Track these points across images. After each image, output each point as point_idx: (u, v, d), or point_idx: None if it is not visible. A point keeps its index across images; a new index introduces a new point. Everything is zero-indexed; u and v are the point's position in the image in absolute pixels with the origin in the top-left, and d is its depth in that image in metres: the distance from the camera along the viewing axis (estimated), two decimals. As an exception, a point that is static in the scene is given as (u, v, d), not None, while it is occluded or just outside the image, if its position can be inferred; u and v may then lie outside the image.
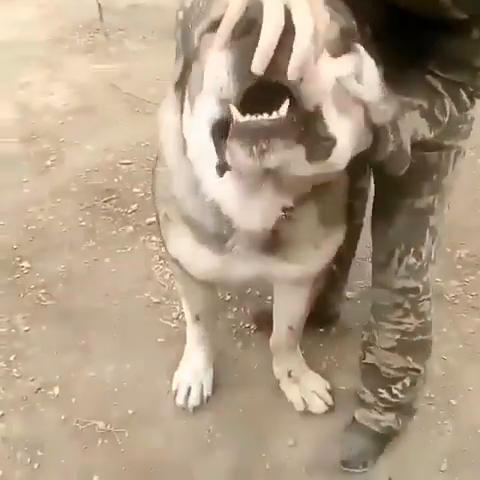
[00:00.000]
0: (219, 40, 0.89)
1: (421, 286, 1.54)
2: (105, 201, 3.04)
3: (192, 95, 1.06)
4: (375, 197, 1.56)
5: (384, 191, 1.52)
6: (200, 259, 1.44)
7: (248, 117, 0.88)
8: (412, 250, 1.49)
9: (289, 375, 2.02)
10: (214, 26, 0.94)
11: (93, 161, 3.35)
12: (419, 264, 1.51)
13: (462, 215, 2.72)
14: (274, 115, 0.88)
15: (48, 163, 3.36)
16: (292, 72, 0.83)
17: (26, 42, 4.66)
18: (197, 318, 1.90)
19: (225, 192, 1.14)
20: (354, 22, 1.07)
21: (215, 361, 2.11)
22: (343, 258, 1.90)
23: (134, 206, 2.99)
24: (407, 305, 1.57)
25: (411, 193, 1.44)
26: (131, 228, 2.85)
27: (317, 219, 1.35)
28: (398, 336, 1.63)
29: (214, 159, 1.00)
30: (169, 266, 2.33)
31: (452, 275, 2.51)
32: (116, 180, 3.21)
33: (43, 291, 2.48)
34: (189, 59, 1.12)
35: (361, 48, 1.04)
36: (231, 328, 2.31)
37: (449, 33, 1.11)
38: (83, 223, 2.89)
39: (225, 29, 0.88)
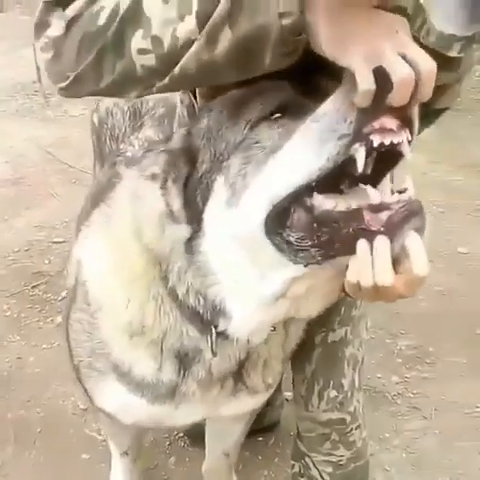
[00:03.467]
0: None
1: (348, 417, 1.49)
2: (34, 286, 2.86)
3: (241, 183, 0.96)
4: None
5: None
6: (135, 410, 1.30)
7: (378, 195, 0.88)
8: (332, 383, 1.45)
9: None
10: (269, 114, 0.96)
11: (23, 239, 3.17)
12: (342, 396, 1.46)
13: (399, 301, 2.67)
14: (408, 195, 0.90)
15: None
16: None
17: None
18: (125, 454, 1.74)
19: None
20: None
21: (145, 481, 1.94)
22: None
23: (64, 293, 2.81)
24: (335, 437, 1.51)
25: (323, 327, 1.41)
26: (59, 319, 2.67)
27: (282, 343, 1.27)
28: (330, 469, 1.56)
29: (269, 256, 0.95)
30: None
31: (392, 370, 2.44)
32: (47, 261, 3.04)
33: (-42, 397, 2.26)
34: (217, 150, 1.01)
35: None
36: (164, 439, 2.15)
37: None
38: (8, 313, 2.70)
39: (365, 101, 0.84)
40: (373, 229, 0.85)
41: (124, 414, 1.35)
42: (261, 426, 2.09)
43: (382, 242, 0.85)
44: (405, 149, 0.87)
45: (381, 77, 0.81)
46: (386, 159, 0.91)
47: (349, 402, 1.47)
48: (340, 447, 1.51)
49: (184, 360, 1.16)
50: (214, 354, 1.10)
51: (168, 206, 1.02)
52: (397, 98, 0.81)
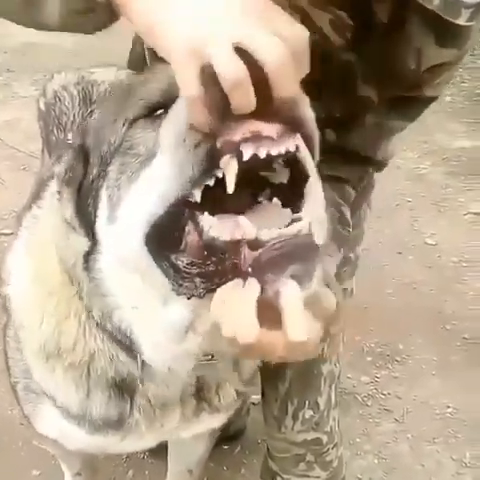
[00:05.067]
0: None
1: (324, 437, 1.40)
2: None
3: (116, 195, 0.80)
4: None
5: None
6: (76, 439, 1.15)
7: (252, 226, 0.67)
8: (307, 403, 1.34)
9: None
10: (151, 111, 0.79)
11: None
12: (318, 416, 1.36)
13: (367, 295, 2.58)
14: (297, 227, 0.68)
15: None
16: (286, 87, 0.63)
17: None
18: (78, 474, 1.59)
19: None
20: None
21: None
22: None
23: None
24: (310, 457, 1.41)
25: None
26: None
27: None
28: None
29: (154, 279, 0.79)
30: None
31: (362, 370, 2.35)
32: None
33: None
34: (102, 152, 0.85)
35: None
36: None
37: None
38: None
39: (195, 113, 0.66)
40: (243, 269, 0.68)
41: (67, 441, 1.21)
42: (226, 434, 1.97)
43: (248, 287, 0.67)
44: (305, 159, 0.71)
45: (210, 79, 0.62)
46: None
47: (325, 421, 1.37)
48: (316, 468, 1.42)
49: (123, 387, 1.02)
50: (141, 382, 0.98)
51: (62, 212, 0.89)
52: (235, 105, 0.63)
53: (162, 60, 0.76)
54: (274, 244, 0.66)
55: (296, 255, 0.66)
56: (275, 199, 0.74)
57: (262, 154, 0.65)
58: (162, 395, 1.02)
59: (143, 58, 1.27)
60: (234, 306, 0.66)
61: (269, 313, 0.65)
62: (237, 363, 1.08)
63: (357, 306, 2.55)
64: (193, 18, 0.63)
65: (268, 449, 1.50)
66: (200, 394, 1.07)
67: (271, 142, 0.65)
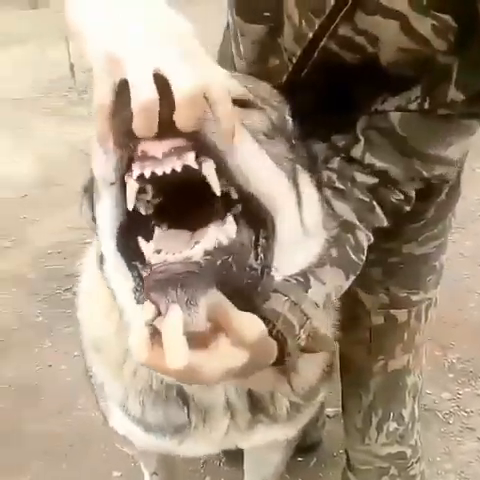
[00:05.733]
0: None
1: (409, 450, 1.36)
2: (66, 289, 2.78)
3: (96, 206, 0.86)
4: (342, 357, 1.34)
5: (351, 353, 1.32)
6: (140, 439, 1.20)
7: (163, 255, 0.69)
8: (392, 415, 1.31)
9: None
10: None
11: (55, 241, 3.10)
12: (402, 428, 1.33)
13: (447, 309, 2.49)
14: (184, 253, 0.68)
15: (7, 244, 3.10)
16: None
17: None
18: (155, 474, 1.63)
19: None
20: (289, 119, 0.93)
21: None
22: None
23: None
24: (394, 471, 1.38)
25: (383, 354, 1.28)
26: (92, 325, 2.59)
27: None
28: None
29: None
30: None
31: (444, 386, 2.28)
32: (79, 263, 2.95)
33: (-14, 408, 2.19)
34: None
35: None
36: (198, 457, 2.03)
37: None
38: (39, 319, 2.63)
39: (101, 122, 0.67)
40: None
41: (133, 440, 1.25)
42: (302, 446, 1.96)
43: (144, 308, 0.69)
44: (210, 177, 0.69)
45: (124, 95, 0.63)
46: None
47: (410, 434, 1.34)
48: None
49: (177, 393, 1.04)
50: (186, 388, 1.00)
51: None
52: (137, 127, 0.63)
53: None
54: (159, 268, 0.68)
55: (177, 281, 0.67)
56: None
57: (147, 174, 0.66)
58: (207, 402, 1.04)
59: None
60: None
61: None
62: (285, 374, 1.07)
63: (437, 319, 2.47)
64: (121, 33, 0.64)
65: (348, 461, 1.47)
66: (256, 405, 1.08)
67: (155, 162, 0.66)
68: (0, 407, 2.20)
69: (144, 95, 0.62)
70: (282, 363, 0.83)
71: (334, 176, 0.95)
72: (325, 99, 0.95)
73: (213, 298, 0.68)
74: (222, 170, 0.71)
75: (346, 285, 0.94)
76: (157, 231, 0.77)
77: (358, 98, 0.95)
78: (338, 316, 1.18)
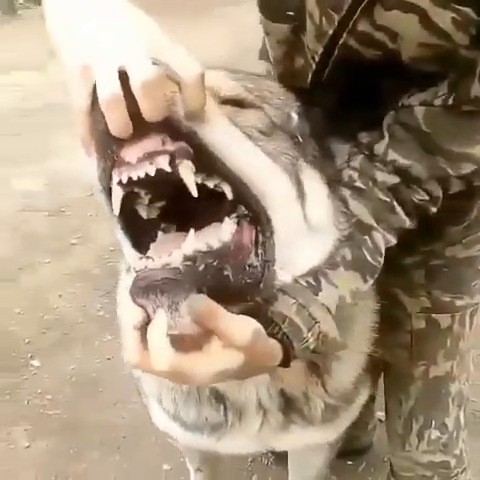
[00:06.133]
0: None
1: (453, 460, 1.31)
2: (126, 285, 2.87)
3: None
4: (382, 361, 1.29)
5: (392, 357, 1.28)
6: (178, 436, 1.22)
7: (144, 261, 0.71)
8: (433, 423, 1.27)
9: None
10: None
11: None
12: (446, 437, 1.28)
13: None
14: (163, 259, 0.70)
15: (73, 241, 3.24)
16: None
17: (57, 104, 4.65)
18: (199, 470, 1.66)
19: None
20: (295, 116, 0.92)
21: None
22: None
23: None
24: None
25: (424, 360, 1.24)
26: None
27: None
28: None
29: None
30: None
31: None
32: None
33: (49, 397, 2.31)
34: None
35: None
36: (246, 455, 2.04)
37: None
38: (100, 313, 2.73)
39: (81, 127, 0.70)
40: None
41: (173, 436, 1.27)
42: (351, 448, 1.93)
43: (132, 311, 0.71)
44: (186, 181, 0.69)
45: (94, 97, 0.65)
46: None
47: (454, 444, 1.29)
48: None
49: (214, 392, 1.05)
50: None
51: None
52: (110, 127, 0.65)
53: None
54: (141, 274, 0.70)
55: (156, 287, 0.68)
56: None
57: (124, 179, 0.68)
58: (240, 401, 1.04)
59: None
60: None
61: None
62: (318, 375, 1.06)
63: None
64: (88, 41, 0.66)
65: (392, 467, 1.43)
66: (289, 405, 1.07)
67: (130, 167, 0.67)
68: (61, 397, 2.31)
69: (107, 91, 0.64)
70: (287, 365, 0.81)
71: (355, 175, 0.93)
72: (351, 96, 0.92)
73: (197, 302, 0.68)
74: (207, 165, 0.72)
75: (364, 288, 0.91)
76: (159, 235, 0.78)
77: (385, 93, 0.93)
78: (376, 318, 1.16)
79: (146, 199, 0.75)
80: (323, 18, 0.88)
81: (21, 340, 2.58)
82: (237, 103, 0.84)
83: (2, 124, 4.54)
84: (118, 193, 0.71)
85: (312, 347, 0.83)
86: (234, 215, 0.77)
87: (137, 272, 0.71)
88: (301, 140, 0.91)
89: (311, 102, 0.95)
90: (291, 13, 0.95)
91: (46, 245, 3.21)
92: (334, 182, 0.92)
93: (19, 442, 2.14)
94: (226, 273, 0.72)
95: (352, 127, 0.96)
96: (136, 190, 0.73)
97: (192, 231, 0.72)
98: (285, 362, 0.80)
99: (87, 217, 3.41)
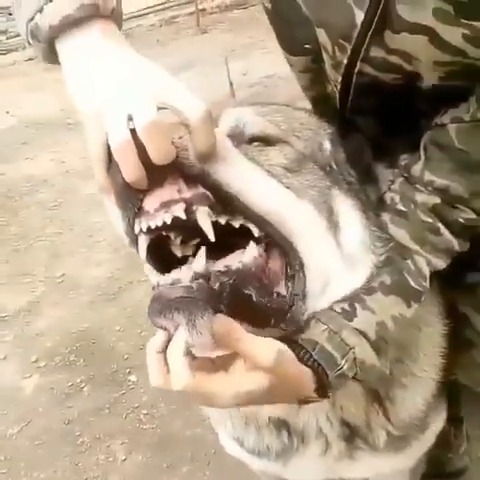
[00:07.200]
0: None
1: None
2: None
3: None
4: (458, 384, 1.23)
5: (467, 379, 1.22)
6: (244, 458, 1.22)
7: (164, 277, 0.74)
8: None
9: None
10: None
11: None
12: None
13: None
14: (171, 276, 0.73)
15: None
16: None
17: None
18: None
19: None
20: (327, 144, 0.92)
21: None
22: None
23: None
24: None
25: None
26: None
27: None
28: None
29: None
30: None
31: None
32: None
33: (145, 412, 2.42)
34: None
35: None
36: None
37: None
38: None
39: (99, 176, 0.74)
40: None
41: (241, 459, 1.26)
42: (443, 472, 1.83)
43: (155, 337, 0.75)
44: (203, 226, 0.71)
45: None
46: None
47: None
48: None
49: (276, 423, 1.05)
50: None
51: None
52: (124, 174, 0.67)
53: None
54: (156, 294, 0.72)
55: (171, 306, 0.70)
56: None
57: (144, 227, 0.70)
58: (300, 427, 1.03)
59: None
60: None
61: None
62: (380, 404, 1.03)
63: None
64: (99, 91, 0.70)
65: None
66: (353, 433, 1.04)
67: (148, 216, 0.70)
68: (155, 412, 2.41)
69: (117, 139, 0.67)
70: (325, 395, 0.80)
71: (397, 198, 0.91)
72: (387, 120, 0.91)
73: (215, 322, 0.68)
74: (227, 205, 0.73)
75: (408, 313, 0.88)
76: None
77: (420, 114, 0.90)
78: (444, 343, 1.11)
79: (178, 240, 0.78)
80: (336, 48, 0.89)
81: (120, 356, 2.73)
82: (263, 140, 0.85)
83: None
84: (143, 241, 0.74)
85: (350, 375, 0.81)
86: (262, 244, 0.77)
87: (152, 288, 0.74)
88: (335, 167, 0.90)
89: (347, 127, 0.94)
90: (308, 46, 0.97)
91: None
92: (371, 207, 0.90)
93: (117, 455, 2.26)
94: (247, 292, 0.72)
95: (393, 150, 0.94)
96: (164, 233, 0.76)
97: (203, 249, 0.73)
98: (321, 391, 0.79)
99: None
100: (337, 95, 0.96)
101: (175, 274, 0.72)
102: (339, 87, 0.94)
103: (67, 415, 2.45)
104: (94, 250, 3.62)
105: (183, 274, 0.72)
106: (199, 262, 0.72)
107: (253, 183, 0.77)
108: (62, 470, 2.22)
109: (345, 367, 0.80)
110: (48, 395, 2.57)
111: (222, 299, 0.70)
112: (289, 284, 0.78)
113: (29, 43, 0.79)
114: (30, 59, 8.00)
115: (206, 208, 0.71)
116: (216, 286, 0.71)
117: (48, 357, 2.78)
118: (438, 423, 1.19)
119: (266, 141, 0.85)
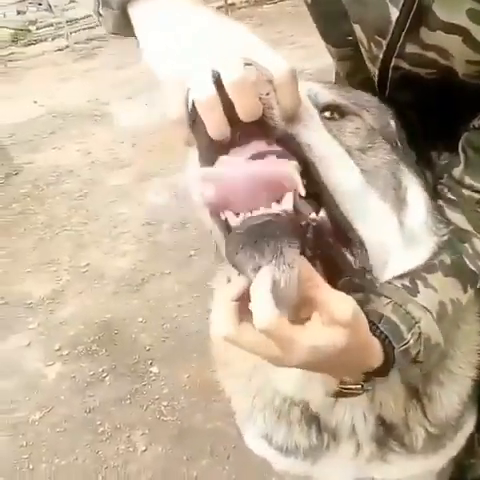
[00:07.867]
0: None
1: None
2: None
3: None
4: None
5: None
6: (270, 457, 1.21)
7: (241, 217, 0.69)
8: None
9: None
10: None
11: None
12: None
13: None
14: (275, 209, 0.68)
15: (191, 252, 3.38)
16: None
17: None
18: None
19: None
20: (392, 123, 0.92)
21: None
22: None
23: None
24: None
25: None
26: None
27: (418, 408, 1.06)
28: None
29: None
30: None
31: None
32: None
33: (165, 404, 2.43)
34: None
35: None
36: None
37: None
38: (215, 323, 2.82)
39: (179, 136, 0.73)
40: None
41: (267, 458, 1.25)
42: (464, 478, 1.79)
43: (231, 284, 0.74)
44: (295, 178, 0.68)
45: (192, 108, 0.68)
46: None
47: None
48: None
49: (307, 415, 1.04)
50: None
51: None
52: (209, 129, 0.66)
53: None
54: (238, 226, 0.68)
55: (256, 231, 0.65)
56: None
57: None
58: (333, 424, 1.02)
59: None
60: None
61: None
62: (418, 400, 1.01)
63: None
64: (179, 53, 0.68)
65: None
66: (388, 432, 1.03)
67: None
68: (176, 404, 2.42)
69: (203, 94, 0.66)
70: (386, 373, 0.79)
71: (445, 189, 0.91)
72: (421, 118, 0.90)
73: (301, 261, 0.66)
74: (304, 168, 0.72)
75: (464, 300, 0.87)
76: None
77: (458, 114, 0.89)
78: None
79: None
80: (371, 44, 0.90)
81: (142, 347, 2.74)
82: (336, 109, 0.84)
83: (137, 141, 4.85)
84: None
85: (413, 353, 0.80)
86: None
87: (233, 228, 0.70)
88: (400, 145, 0.90)
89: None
90: (351, 38, 0.97)
91: (167, 256, 3.38)
92: (430, 191, 0.91)
93: (137, 445, 2.27)
94: (329, 239, 0.71)
95: (429, 149, 0.93)
96: None
97: (290, 193, 0.69)
98: (385, 368, 0.79)
99: (206, 231, 3.53)
100: (376, 87, 0.96)
101: (263, 210, 0.68)
102: (377, 79, 0.95)
103: (88, 404, 2.47)
104: (118, 241, 3.64)
105: (273, 208, 0.68)
106: (288, 200, 0.69)
107: (331, 156, 0.76)
108: (82, 458, 2.24)
109: (411, 342, 0.79)
110: (70, 383, 2.59)
111: (306, 240, 0.68)
112: (354, 260, 0.78)
113: (99, 14, 0.80)
114: (59, 49, 8.07)
115: (295, 162, 0.69)
116: (302, 223, 0.69)
117: (71, 346, 2.80)
118: (470, 424, 1.17)
119: (339, 111, 0.85)
